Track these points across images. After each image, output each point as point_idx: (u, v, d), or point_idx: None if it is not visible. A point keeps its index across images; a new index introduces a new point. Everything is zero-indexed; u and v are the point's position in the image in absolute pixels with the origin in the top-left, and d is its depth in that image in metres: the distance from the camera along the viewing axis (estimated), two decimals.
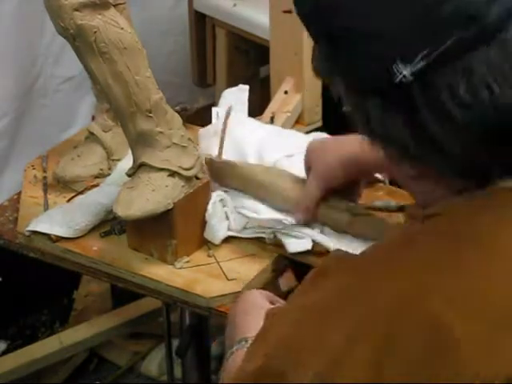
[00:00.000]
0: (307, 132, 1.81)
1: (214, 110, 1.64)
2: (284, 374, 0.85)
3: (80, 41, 1.29)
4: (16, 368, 2.23)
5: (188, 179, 1.39)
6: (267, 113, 1.83)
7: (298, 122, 1.89)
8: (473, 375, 0.79)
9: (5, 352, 2.33)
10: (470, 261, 0.83)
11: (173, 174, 1.37)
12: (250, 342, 1.13)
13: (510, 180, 0.86)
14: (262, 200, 1.45)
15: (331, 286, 0.88)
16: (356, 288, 0.86)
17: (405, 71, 0.79)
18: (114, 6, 1.35)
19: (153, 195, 1.35)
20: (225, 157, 1.53)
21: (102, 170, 1.62)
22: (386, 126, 0.85)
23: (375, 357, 0.81)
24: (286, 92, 1.87)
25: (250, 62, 2.20)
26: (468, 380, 0.78)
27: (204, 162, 1.46)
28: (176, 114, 1.41)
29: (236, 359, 1.12)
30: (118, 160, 1.63)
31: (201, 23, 2.23)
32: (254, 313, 1.20)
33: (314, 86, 1.88)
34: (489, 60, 0.79)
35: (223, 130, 1.45)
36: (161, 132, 1.36)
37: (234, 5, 2.10)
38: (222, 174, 1.47)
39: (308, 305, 0.89)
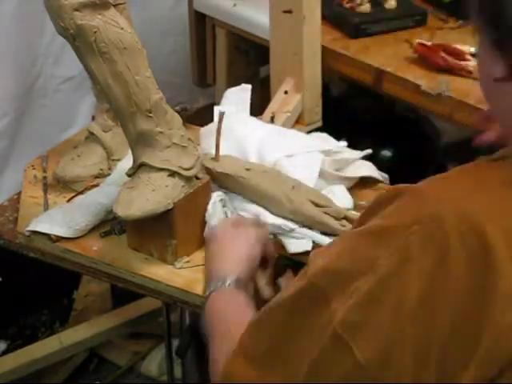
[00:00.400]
0: (307, 132, 1.81)
1: (216, 108, 1.64)
2: (325, 294, 0.86)
3: (80, 41, 1.29)
4: (16, 368, 2.22)
5: (188, 179, 1.39)
6: (267, 113, 1.83)
7: (298, 122, 1.89)
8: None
9: (5, 352, 2.33)
10: None
11: (173, 174, 1.37)
12: (228, 282, 1.19)
13: None
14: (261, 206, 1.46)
15: (382, 214, 0.88)
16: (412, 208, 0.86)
17: None
18: (114, 5, 1.35)
19: (153, 195, 1.35)
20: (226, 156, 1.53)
21: (101, 169, 1.62)
22: None
23: (427, 271, 0.81)
24: (286, 92, 1.87)
25: (250, 61, 2.20)
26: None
27: (203, 163, 1.46)
28: (176, 114, 1.40)
29: (214, 304, 1.17)
30: (118, 160, 1.63)
31: (201, 23, 2.23)
32: (227, 250, 1.25)
33: (314, 86, 1.88)
34: None
35: (218, 134, 1.45)
36: (161, 132, 1.36)
37: (234, 5, 2.10)
38: (219, 182, 1.48)
39: (352, 235, 0.90)
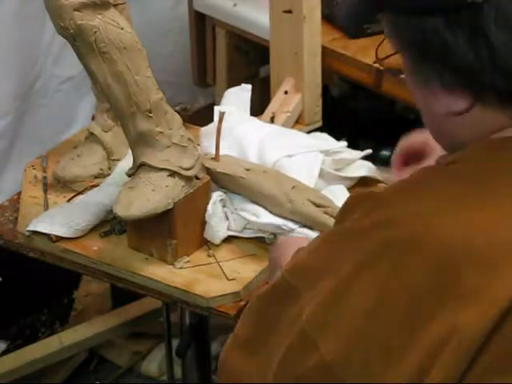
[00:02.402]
0: (307, 132, 1.81)
1: (217, 108, 1.64)
2: (296, 289, 0.89)
3: (80, 41, 1.29)
4: (16, 368, 2.22)
5: (188, 179, 1.39)
6: (267, 113, 1.83)
7: (298, 122, 1.88)
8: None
9: (5, 352, 2.32)
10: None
11: (173, 173, 1.37)
12: None
13: None
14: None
15: (352, 219, 0.90)
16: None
17: None
18: (114, 6, 1.35)
19: (153, 195, 1.34)
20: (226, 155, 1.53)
21: (102, 170, 1.62)
22: (447, 44, 0.85)
23: (381, 279, 0.83)
24: (286, 92, 1.87)
25: (250, 62, 2.20)
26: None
27: (203, 163, 1.46)
28: (176, 114, 1.40)
29: None
30: (118, 160, 1.63)
31: (201, 23, 2.23)
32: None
33: (313, 86, 1.88)
34: None
35: (218, 133, 1.45)
36: (161, 132, 1.36)
37: (234, 5, 2.09)
38: (220, 182, 1.48)
39: (325, 235, 0.93)
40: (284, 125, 1.81)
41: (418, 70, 0.90)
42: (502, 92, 0.86)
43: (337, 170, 1.58)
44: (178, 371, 2.04)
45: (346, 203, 0.94)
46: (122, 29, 1.32)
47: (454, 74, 0.87)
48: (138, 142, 1.37)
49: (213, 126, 1.60)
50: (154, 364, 2.39)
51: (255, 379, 0.92)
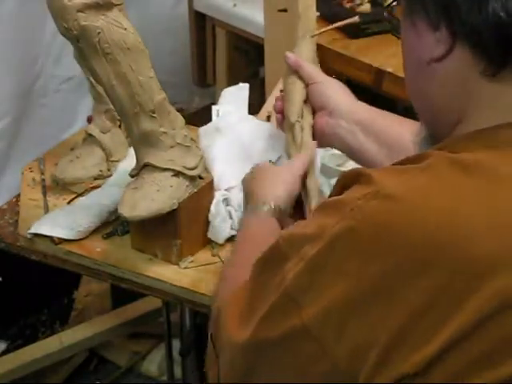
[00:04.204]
0: None
1: (214, 108, 1.65)
2: (286, 254, 0.92)
3: (83, 42, 1.29)
4: (16, 368, 2.22)
5: (192, 179, 1.39)
6: (263, 112, 1.82)
7: None
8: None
9: (5, 352, 2.33)
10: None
11: (177, 173, 1.37)
12: (267, 206, 1.24)
13: None
14: None
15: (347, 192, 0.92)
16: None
17: None
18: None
19: (158, 195, 1.34)
20: (226, 155, 1.53)
21: (101, 171, 1.62)
22: None
23: (364, 245, 0.85)
24: (281, 91, 1.86)
25: (250, 61, 2.20)
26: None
27: None
28: (179, 114, 1.40)
29: (251, 228, 1.22)
30: (117, 161, 1.63)
31: (201, 23, 2.23)
32: (272, 179, 1.30)
33: None
34: None
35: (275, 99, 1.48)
36: (164, 132, 1.36)
37: (234, 5, 2.10)
38: None
39: (319, 206, 0.96)
40: None
41: (408, 9, 0.95)
42: (479, 34, 0.88)
43: (337, 165, 1.59)
44: (178, 371, 2.04)
45: (344, 177, 0.95)
46: (125, 29, 1.31)
47: (438, 5, 0.90)
48: (142, 142, 1.37)
49: (211, 125, 1.60)
50: (154, 364, 2.39)
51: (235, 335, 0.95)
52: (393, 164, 0.94)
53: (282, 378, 0.92)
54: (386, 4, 2.06)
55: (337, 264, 0.86)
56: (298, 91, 1.44)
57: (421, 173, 0.87)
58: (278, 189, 1.29)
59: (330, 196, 0.97)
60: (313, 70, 1.45)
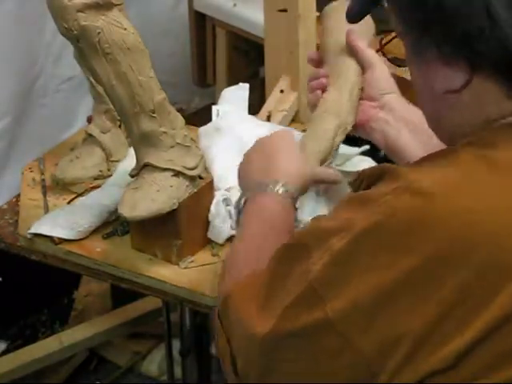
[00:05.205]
0: (303, 131, 1.81)
1: (214, 108, 1.65)
2: (307, 246, 0.92)
3: (84, 42, 1.29)
4: (16, 368, 2.22)
5: (192, 179, 1.39)
6: (263, 112, 1.83)
7: (294, 120, 1.88)
8: None
9: (5, 352, 2.33)
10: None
11: (177, 173, 1.37)
12: (281, 184, 1.19)
13: None
14: None
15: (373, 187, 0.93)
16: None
17: None
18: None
19: (158, 195, 1.34)
20: (226, 155, 1.53)
21: (101, 171, 1.62)
22: (447, 11, 0.88)
23: (396, 236, 0.85)
24: (281, 91, 1.86)
25: (250, 61, 2.20)
26: None
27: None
28: (179, 114, 1.40)
29: (260, 202, 1.17)
30: (117, 161, 1.63)
31: (201, 23, 2.23)
32: (282, 155, 1.24)
33: None
34: None
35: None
36: (164, 132, 1.36)
37: (234, 5, 2.10)
38: None
39: (342, 201, 0.95)
40: (280, 123, 1.81)
41: (418, 47, 0.93)
42: (498, 62, 0.87)
43: (337, 164, 1.58)
44: (178, 371, 2.04)
45: (366, 175, 0.95)
46: (125, 29, 1.31)
47: (452, 41, 0.89)
48: (142, 142, 1.37)
49: (211, 125, 1.60)
50: (154, 364, 2.39)
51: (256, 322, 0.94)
52: (421, 159, 0.94)
53: (303, 370, 0.91)
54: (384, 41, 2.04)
55: (365, 258, 0.86)
56: (353, 73, 1.40)
57: (451, 168, 0.88)
58: (292, 167, 1.24)
59: (355, 189, 0.98)
60: (374, 57, 1.41)
